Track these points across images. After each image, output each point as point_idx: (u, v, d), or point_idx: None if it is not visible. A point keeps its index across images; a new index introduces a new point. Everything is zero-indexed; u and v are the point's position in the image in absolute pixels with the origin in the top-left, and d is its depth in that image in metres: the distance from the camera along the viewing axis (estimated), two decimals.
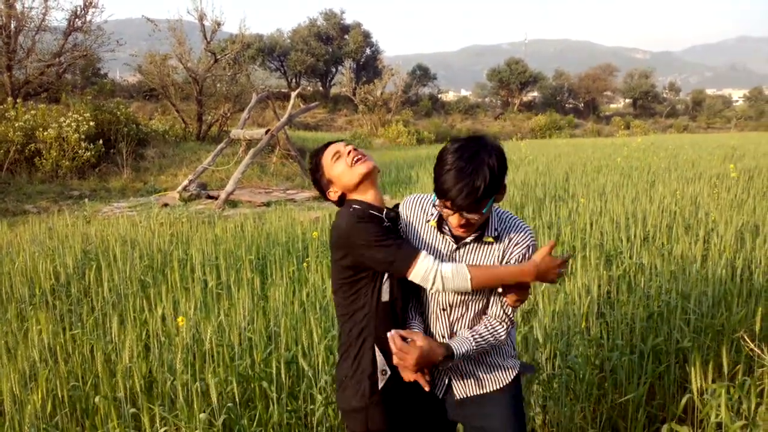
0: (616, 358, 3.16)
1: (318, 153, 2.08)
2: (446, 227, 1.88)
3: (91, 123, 15.09)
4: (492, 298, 1.93)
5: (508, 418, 1.98)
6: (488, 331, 1.90)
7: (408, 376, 1.83)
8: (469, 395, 1.99)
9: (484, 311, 1.95)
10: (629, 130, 43.95)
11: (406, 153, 21.09)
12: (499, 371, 2.00)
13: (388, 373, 1.92)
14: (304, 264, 5.14)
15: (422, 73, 46.24)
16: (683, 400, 2.55)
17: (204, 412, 2.65)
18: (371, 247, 1.81)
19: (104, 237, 6.75)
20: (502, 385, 2.00)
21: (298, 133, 28.76)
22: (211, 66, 21.78)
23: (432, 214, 1.91)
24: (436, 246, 1.91)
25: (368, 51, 44.77)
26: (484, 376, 1.99)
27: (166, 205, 10.95)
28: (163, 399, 3.02)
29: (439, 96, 48.76)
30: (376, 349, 1.91)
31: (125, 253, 5.56)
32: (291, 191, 13.14)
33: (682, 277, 4.04)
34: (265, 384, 2.93)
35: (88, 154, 14.52)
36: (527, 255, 1.88)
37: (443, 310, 1.94)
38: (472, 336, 1.88)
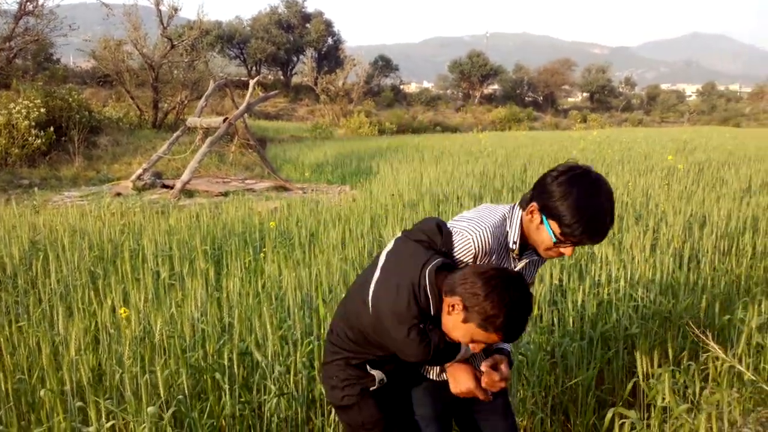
0: (567, 344, 3.22)
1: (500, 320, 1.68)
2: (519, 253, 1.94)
3: (42, 110, 14.55)
4: None
5: (506, 394, 2.14)
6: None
7: (460, 382, 1.91)
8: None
9: None
10: (586, 124, 44.85)
11: (368, 144, 21.06)
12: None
13: (385, 380, 1.96)
14: (261, 254, 5.08)
15: (384, 64, 46.16)
16: (630, 385, 2.61)
17: (153, 405, 2.59)
18: (395, 324, 1.76)
19: (53, 227, 6.53)
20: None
21: (259, 123, 28.42)
22: (167, 52, 21.26)
23: (514, 243, 1.90)
24: (502, 261, 1.94)
25: (330, 40, 44.44)
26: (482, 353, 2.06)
27: (119, 194, 10.68)
28: (112, 392, 2.94)
29: (402, 87, 48.81)
30: (368, 366, 1.94)
31: (74, 244, 5.39)
32: (250, 181, 12.97)
33: (631, 266, 4.15)
34: (217, 375, 2.89)
35: (39, 141, 14.02)
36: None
37: None
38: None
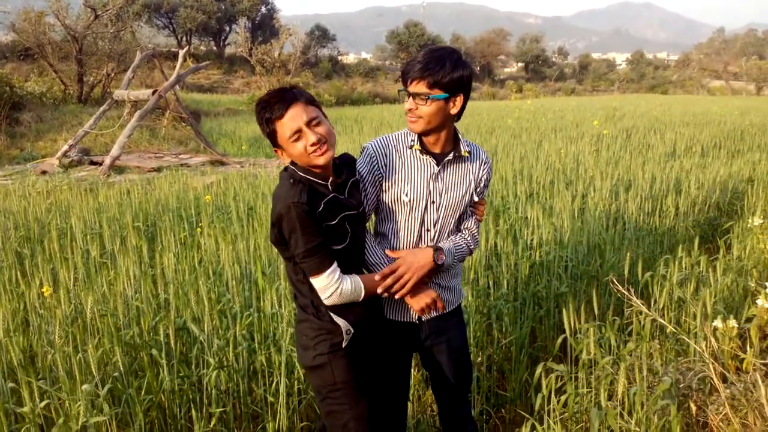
0: (501, 305, 3.33)
1: (274, 112, 1.87)
2: (426, 150, 2.05)
3: None
4: (466, 214, 2.18)
5: (464, 336, 2.27)
6: (465, 238, 2.15)
7: (421, 299, 2.03)
8: (431, 316, 2.15)
9: (458, 226, 2.19)
10: (521, 94, 45.67)
11: None
12: (455, 293, 2.22)
13: (352, 331, 1.97)
14: (197, 230, 4.99)
15: (321, 34, 45.47)
16: (558, 340, 2.73)
17: (88, 383, 2.53)
18: (297, 239, 1.85)
19: None
20: (456, 306, 2.23)
21: (192, 95, 27.56)
22: (91, 23, 20.23)
23: (413, 140, 2.05)
24: (421, 171, 2.05)
25: (263, 9, 43.28)
26: (447, 297, 2.17)
27: (44, 172, 10.18)
28: (45, 373, 2.86)
29: (339, 58, 48.21)
30: (333, 315, 1.95)
31: None
32: (184, 156, 12.60)
33: (561, 229, 4.30)
34: (154, 352, 2.84)
35: None
36: (490, 173, 2.20)
37: (427, 230, 2.10)
38: (451, 240, 2.11)
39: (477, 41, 55.19)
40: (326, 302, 1.91)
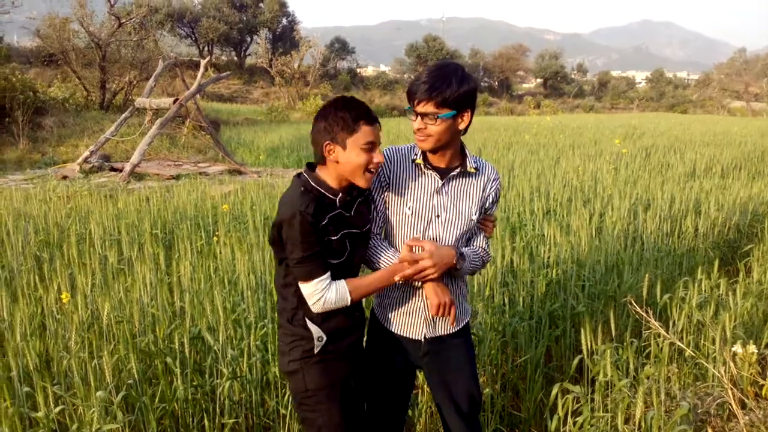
0: (517, 323, 3.31)
1: (368, 116, 1.93)
2: (429, 164, 2.05)
3: None
4: (474, 231, 2.16)
5: (470, 356, 2.22)
6: (476, 253, 2.13)
7: (440, 296, 1.99)
8: (437, 335, 2.14)
9: (467, 244, 2.17)
10: (539, 110, 45.56)
11: None
12: (463, 310, 2.19)
13: (324, 339, 1.99)
14: (214, 238, 5.01)
15: (341, 47, 45.74)
16: (575, 361, 2.70)
17: (102, 390, 2.55)
18: (295, 245, 1.88)
19: None
20: (463, 324, 2.20)
21: (212, 105, 27.85)
22: (115, 30, 20.58)
23: (416, 154, 2.06)
24: (424, 185, 2.05)
25: (284, 21, 43.66)
26: (457, 314, 2.13)
27: (65, 177, 10.32)
28: (60, 378, 2.88)
29: (358, 70, 48.49)
30: (307, 321, 1.98)
31: (19, 228, 5.21)
32: (203, 164, 12.72)
33: (578, 248, 4.27)
34: (168, 360, 2.85)
35: None
36: (499, 192, 2.18)
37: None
38: (472, 251, 2.11)
39: (496, 56, 55.25)
40: (312, 309, 1.94)
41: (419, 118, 1.95)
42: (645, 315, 2.77)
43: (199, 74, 12.68)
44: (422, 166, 2.05)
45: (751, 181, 8.55)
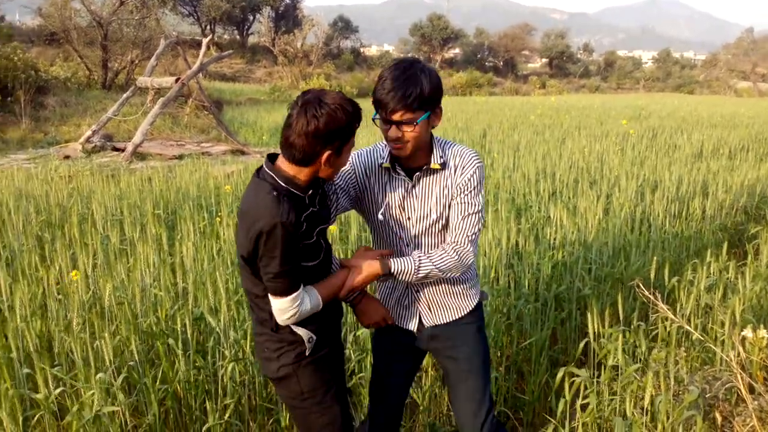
0: (522, 305, 3.27)
1: (355, 121, 1.76)
2: (399, 167, 1.97)
3: None
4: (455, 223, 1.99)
5: (476, 345, 2.14)
6: (440, 254, 1.95)
7: (370, 316, 2.04)
8: (438, 323, 2.11)
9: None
10: (545, 90, 45.21)
11: None
12: (463, 298, 2.12)
13: (314, 339, 1.90)
14: (217, 219, 4.98)
15: (344, 25, 45.36)
16: (581, 344, 2.67)
17: (103, 372, 2.53)
18: (273, 259, 1.72)
19: None
20: (465, 312, 2.12)
21: (214, 84, 27.68)
22: (116, 9, 20.41)
23: (383, 158, 1.99)
24: (394, 189, 1.99)
25: None
26: (451, 302, 2.10)
27: (67, 157, 10.28)
28: (61, 359, 2.86)
29: (362, 50, 48.10)
30: (292, 327, 1.86)
31: (20, 208, 5.18)
32: (205, 144, 12.65)
33: (585, 229, 4.22)
34: (171, 341, 2.83)
35: None
36: (475, 178, 1.95)
37: (407, 245, 2.04)
38: (418, 257, 1.94)
39: (501, 36, 54.69)
40: (281, 322, 1.82)
41: (394, 126, 1.84)
42: (653, 298, 2.73)
43: (201, 53, 12.56)
44: (391, 170, 1.98)
45: (759, 162, 8.45)
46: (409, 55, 52.37)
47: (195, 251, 3.88)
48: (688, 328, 2.68)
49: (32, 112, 14.55)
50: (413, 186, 1.97)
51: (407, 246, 2.02)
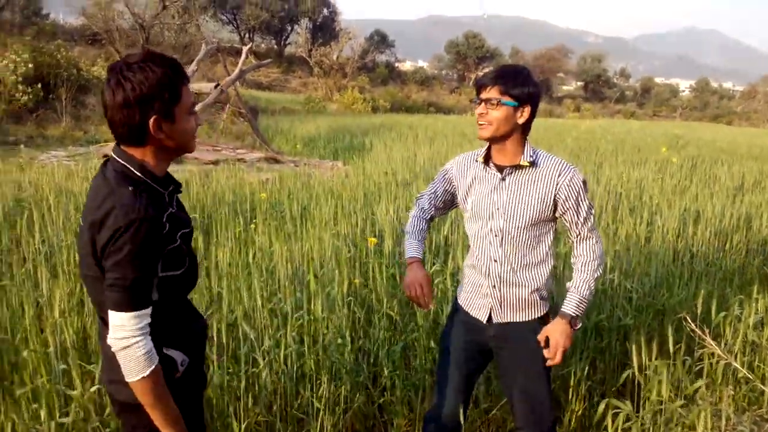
0: None
1: (169, 72, 1.48)
2: (491, 162, 2.16)
3: (30, 65, 14.17)
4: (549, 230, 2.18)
5: (537, 352, 2.16)
6: (586, 262, 2.16)
7: (406, 280, 2.20)
8: (506, 321, 2.20)
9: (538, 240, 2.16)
10: (579, 113, 44.85)
11: (361, 120, 20.86)
12: (536, 304, 2.20)
13: (188, 361, 1.64)
14: (252, 225, 4.99)
15: (380, 40, 45.70)
16: (624, 375, 2.59)
17: None
18: (128, 262, 1.42)
19: (39, 186, 6.38)
20: (535, 316, 2.20)
21: (251, 92, 28.04)
22: (159, 13, 20.87)
23: (478, 154, 2.21)
24: (485, 182, 2.17)
25: (325, 11, 43.80)
26: (523, 304, 2.19)
27: (106, 156, 10.47)
28: (96, 357, 2.87)
29: (396, 65, 48.38)
30: (163, 349, 1.57)
31: (61, 204, 5.26)
32: (241, 150, 12.78)
33: (625, 257, 4.12)
34: None
35: (26, 98, 13.67)
36: (574, 188, 2.09)
37: (495, 236, 2.16)
38: (579, 286, 2.14)
39: (537, 56, 54.54)
40: (111, 344, 1.45)
41: (482, 104, 2.07)
42: (700, 333, 2.64)
43: (241, 60, 12.75)
44: (483, 164, 2.19)
45: None
46: (443, 72, 52.54)
47: (230, 256, 3.89)
48: (736, 365, 2.59)
49: (73, 111, 14.87)
50: (502, 179, 2.13)
51: (495, 236, 2.15)
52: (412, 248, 2.29)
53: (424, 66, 60.51)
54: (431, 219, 2.39)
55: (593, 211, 2.18)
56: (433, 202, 2.36)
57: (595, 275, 2.15)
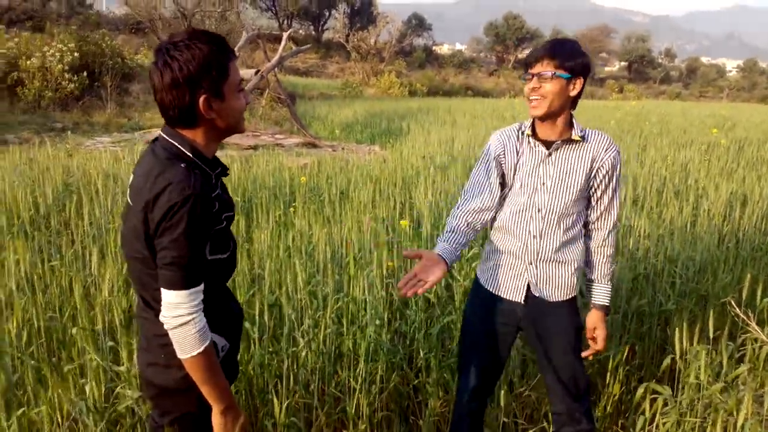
0: None
1: (216, 49, 1.47)
2: (538, 137, 2.12)
3: (76, 54, 14.60)
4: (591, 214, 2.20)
5: (571, 326, 2.20)
6: (602, 250, 2.22)
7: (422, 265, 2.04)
8: (540, 297, 2.18)
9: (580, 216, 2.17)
10: (622, 94, 43.74)
11: (398, 104, 20.80)
12: (571, 282, 2.19)
13: (228, 346, 1.66)
14: (291, 209, 5.07)
15: (417, 23, 45.31)
16: (666, 361, 2.56)
17: None
18: (181, 240, 1.43)
19: (86, 170, 6.59)
20: (569, 296, 2.20)
21: (289, 78, 28.26)
22: (200, 1, 21.10)
23: (525, 127, 2.16)
24: (531, 157, 2.13)
25: None
26: (560, 281, 2.17)
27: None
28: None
29: (434, 48, 47.92)
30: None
31: (108, 188, 5.43)
32: (279, 136, 12.93)
33: (669, 242, 4.04)
34: (247, 324, 2.90)
35: (72, 86, 14.10)
36: (616, 166, 2.11)
37: (538, 210, 2.13)
38: (604, 273, 2.23)
39: (579, 37, 53.26)
40: (166, 321, 1.46)
41: (535, 78, 2.02)
42: (744, 317, 2.58)
43: (281, 47, 12.84)
44: (530, 138, 2.14)
45: None
46: (482, 54, 51.82)
47: (271, 239, 3.96)
48: None
49: (117, 98, 15.26)
50: (549, 155, 2.10)
51: (537, 211, 2.12)
52: (445, 251, 2.12)
53: (462, 49, 59.78)
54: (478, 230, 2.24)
55: (618, 194, 2.20)
56: (486, 202, 2.18)
57: (611, 262, 2.24)
